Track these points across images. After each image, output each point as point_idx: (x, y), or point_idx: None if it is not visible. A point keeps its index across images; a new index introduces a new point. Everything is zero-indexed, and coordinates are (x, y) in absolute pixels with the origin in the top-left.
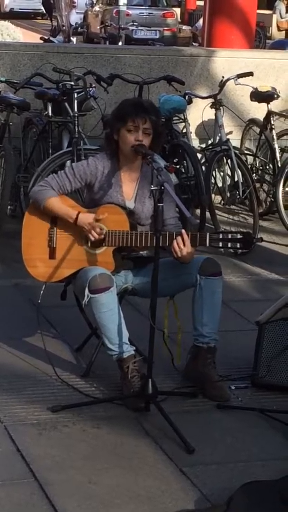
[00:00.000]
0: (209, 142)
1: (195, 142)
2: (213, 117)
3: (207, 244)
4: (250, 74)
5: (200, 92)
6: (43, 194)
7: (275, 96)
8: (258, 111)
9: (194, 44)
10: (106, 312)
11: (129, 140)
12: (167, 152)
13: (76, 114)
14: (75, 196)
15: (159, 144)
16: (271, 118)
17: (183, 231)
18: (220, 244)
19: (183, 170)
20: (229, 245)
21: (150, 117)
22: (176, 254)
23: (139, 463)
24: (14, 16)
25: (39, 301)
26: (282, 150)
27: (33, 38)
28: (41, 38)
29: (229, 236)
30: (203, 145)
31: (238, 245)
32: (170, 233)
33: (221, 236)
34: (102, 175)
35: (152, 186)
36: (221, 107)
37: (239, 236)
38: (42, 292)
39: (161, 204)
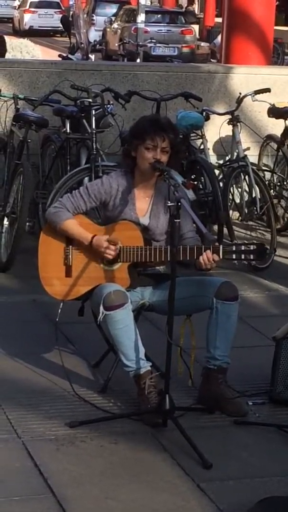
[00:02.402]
0: (227, 158)
1: (213, 159)
2: (231, 133)
3: (221, 257)
4: (268, 90)
5: (218, 108)
6: (59, 217)
7: None
8: (276, 127)
9: (212, 60)
10: (122, 329)
11: (147, 158)
12: (184, 169)
13: (94, 131)
14: (93, 212)
15: (177, 161)
16: None
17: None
18: (234, 256)
19: (200, 187)
20: (243, 256)
21: (169, 135)
22: (203, 266)
23: (156, 479)
24: (33, 33)
25: (57, 319)
26: None
27: (52, 55)
28: (59, 56)
29: (243, 248)
30: (221, 161)
31: (252, 257)
32: (183, 247)
33: (234, 248)
34: (116, 193)
35: (168, 202)
36: (238, 123)
37: (252, 247)
38: (60, 310)
39: (178, 220)
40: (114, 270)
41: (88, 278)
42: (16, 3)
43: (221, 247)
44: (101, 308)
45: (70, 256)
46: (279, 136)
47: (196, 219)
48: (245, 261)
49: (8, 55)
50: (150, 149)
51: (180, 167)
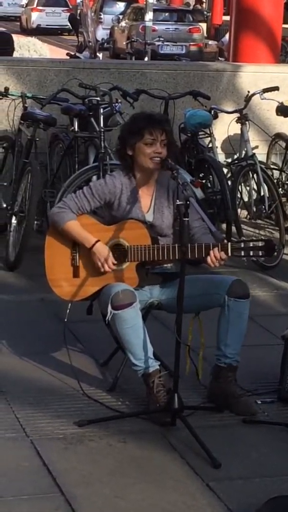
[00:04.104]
0: (235, 156)
1: (221, 157)
2: (239, 132)
3: (229, 254)
4: (276, 88)
5: (226, 107)
6: (62, 217)
7: None
8: (284, 125)
9: (220, 59)
10: (130, 328)
11: (148, 153)
12: (193, 167)
13: (102, 130)
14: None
15: (173, 152)
16: None
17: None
18: (242, 253)
19: (209, 185)
20: (251, 253)
21: (166, 128)
22: (210, 265)
23: (165, 478)
24: (41, 32)
25: (66, 319)
26: None
27: (60, 54)
28: (67, 54)
29: (251, 245)
30: (229, 160)
31: (260, 253)
32: (191, 245)
33: (242, 245)
34: (121, 193)
35: (177, 201)
36: (246, 122)
37: (260, 244)
38: (68, 310)
39: (187, 219)
40: (122, 270)
41: (96, 278)
42: (24, 2)
43: (229, 244)
44: (109, 308)
45: (77, 257)
46: None
47: (205, 217)
48: (253, 258)
49: (16, 54)
50: (150, 144)
51: (188, 165)
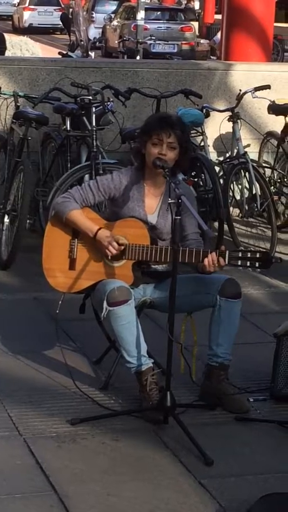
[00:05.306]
0: (227, 155)
1: (213, 155)
2: (231, 130)
3: (226, 262)
4: (268, 87)
5: (218, 105)
6: (66, 206)
7: None
8: (276, 124)
9: (212, 57)
10: (125, 325)
11: (153, 153)
12: None
13: (94, 128)
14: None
15: (185, 160)
16: None
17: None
18: (239, 263)
19: (201, 183)
20: (248, 263)
21: (175, 131)
22: (206, 268)
23: (157, 476)
24: (33, 31)
25: (57, 311)
26: None
27: (52, 53)
28: (59, 53)
29: (248, 255)
30: (221, 158)
31: (256, 264)
32: (189, 249)
33: (240, 255)
34: (125, 190)
35: (169, 199)
36: (238, 120)
37: (258, 255)
38: (60, 302)
39: (178, 217)
40: (118, 267)
41: (92, 273)
42: (16, 1)
43: (227, 252)
44: (105, 304)
45: (75, 249)
46: (279, 132)
47: (196, 215)
48: (250, 268)
49: (8, 53)
50: (156, 144)
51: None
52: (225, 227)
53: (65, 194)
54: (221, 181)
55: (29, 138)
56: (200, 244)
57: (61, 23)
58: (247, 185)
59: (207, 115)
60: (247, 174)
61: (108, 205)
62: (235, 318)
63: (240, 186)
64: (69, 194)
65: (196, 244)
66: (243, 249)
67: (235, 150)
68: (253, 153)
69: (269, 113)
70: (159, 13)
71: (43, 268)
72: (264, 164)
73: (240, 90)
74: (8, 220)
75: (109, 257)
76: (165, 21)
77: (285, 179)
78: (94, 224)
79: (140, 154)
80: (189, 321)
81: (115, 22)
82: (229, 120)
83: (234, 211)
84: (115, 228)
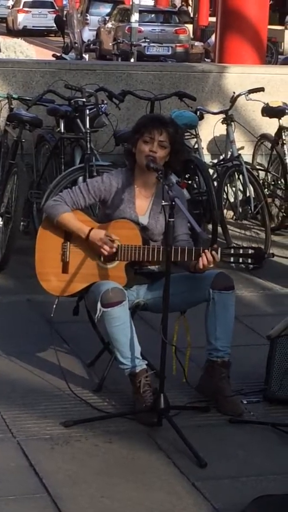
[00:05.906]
0: (221, 157)
1: (207, 158)
2: (225, 133)
3: (219, 259)
4: (261, 89)
5: (212, 107)
6: (56, 209)
7: (287, 111)
8: (270, 126)
9: (206, 60)
10: (119, 326)
11: (144, 151)
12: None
13: (88, 131)
14: (87, 211)
15: (177, 161)
16: (283, 133)
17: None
18: (232, 259)
19: (195, 186)
20: (241, 260)
21: (167, 129)
22: (200, 267)
23: (151, 478)
24: (27, 33)
25: (52, 315)
26: None
27: (46, 55)
28: (53, 55)
29: (241, 251)
30: (215, 161)
31: (249, 260)
32: (182, 248)
33: (232, 251)
34: (116, 192)
35: (163, 201)
36: (232, 123)
37: (250, 251)
38: (54, 306)
39: (171, 220)
40: (111, 268)
41: (85, 275)
42: (10, 3)
43: (219, 249)
44: (99, 305)
45: (68, 253)
46: (273, 135)
47: (190, 218)
48: (242, 264)
49: (2, 55)
50: (147, 142)
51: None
52: (219, 229)
53: (56, 197)
54: (215, 183)
55: (23, 140)
56: (190, 244)
57: (55, 25)
58: (241, 188)
59: (201, 118)
60: (241, 176)
61: (100, 208)
62: (230, 311)
63: (234, 189)
64: (60, 197)
65: (187, 244)
66: (235, 245)
67: (229, 153)
68: (247, 155)
69: (263, 115)
70: (153, 15)
71: (36, 272)
72: (258, 167)
73: (234, 93)
74: (1, 222)
75: (102, 258)
76: (159, 24)
77: (279, 182)
78: (85, 225)
79: (131, 154)
80: (182, 321)
81: (109, 25)
82: (223, 122)
83: (228, 214)
84: (106, 230)
